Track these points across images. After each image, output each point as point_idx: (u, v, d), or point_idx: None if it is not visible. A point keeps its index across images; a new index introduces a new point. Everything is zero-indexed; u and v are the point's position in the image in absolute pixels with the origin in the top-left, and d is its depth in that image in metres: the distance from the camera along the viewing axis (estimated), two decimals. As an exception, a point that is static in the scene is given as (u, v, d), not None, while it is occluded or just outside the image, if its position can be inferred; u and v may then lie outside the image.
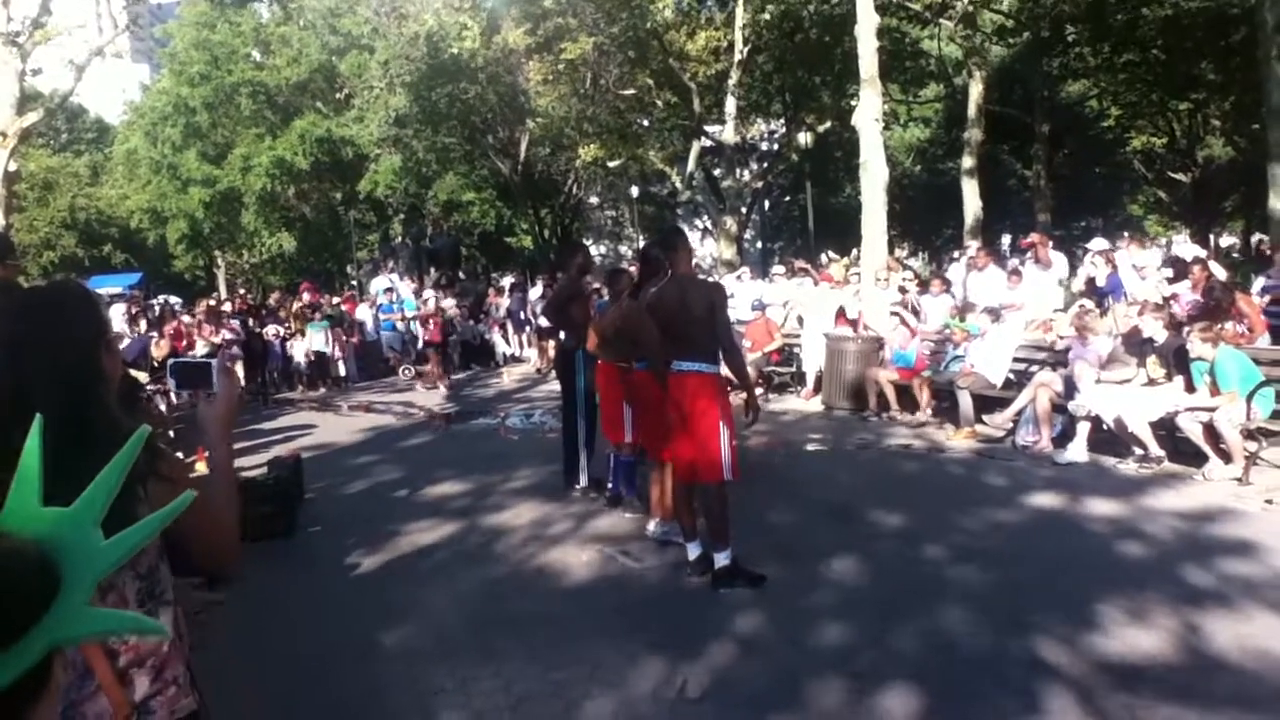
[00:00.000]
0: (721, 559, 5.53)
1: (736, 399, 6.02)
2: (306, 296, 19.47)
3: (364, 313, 20.28)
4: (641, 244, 34.71)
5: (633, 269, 8.26)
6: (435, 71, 27.63)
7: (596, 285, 11.06)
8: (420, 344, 18.53)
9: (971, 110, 22.78)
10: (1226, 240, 36.57)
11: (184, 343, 14.15)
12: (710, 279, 8.11)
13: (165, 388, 10.16)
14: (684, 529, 5.91)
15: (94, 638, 1.08)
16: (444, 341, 17.39)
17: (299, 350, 17.52)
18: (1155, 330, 8.58)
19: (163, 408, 10.82)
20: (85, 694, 1.66)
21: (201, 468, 2.11)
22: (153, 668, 1.77)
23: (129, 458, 1.09)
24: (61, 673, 0.97)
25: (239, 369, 16.05)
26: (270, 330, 17.37)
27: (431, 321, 17.51)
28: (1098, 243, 13.74)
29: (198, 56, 33.37)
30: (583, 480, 7.98)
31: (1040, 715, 3.86)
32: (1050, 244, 12.60)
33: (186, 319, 16.29)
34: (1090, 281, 11.99)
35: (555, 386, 12.07)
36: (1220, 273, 10.88)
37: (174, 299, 26.98)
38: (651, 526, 6.54)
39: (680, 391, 5.62)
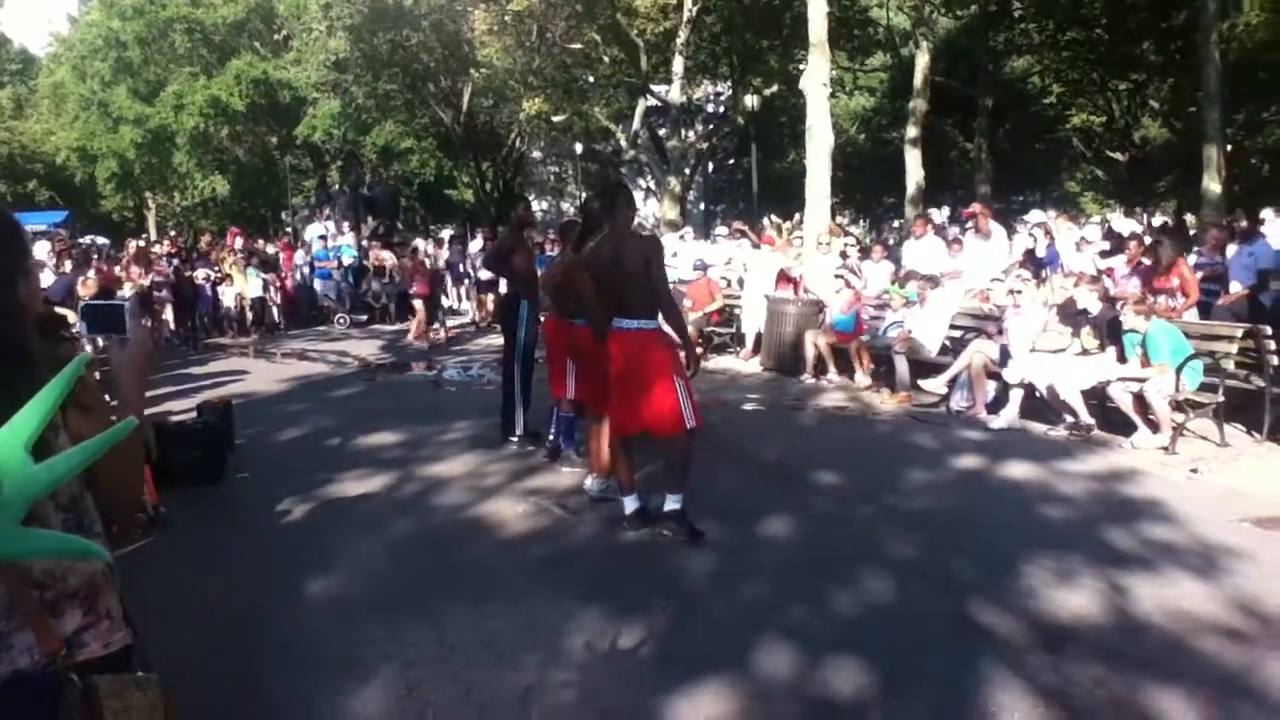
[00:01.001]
0: (672, 502, 5.53)
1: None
2: (239, 242, 19.07)
3: (300, 259, 19.91)
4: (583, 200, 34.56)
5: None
6: (377, 15, 27.06)
7: (539, 240, 10.98)
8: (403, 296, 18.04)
9: (917, 80, 22.89)
10: (1159, 219, 37.33)
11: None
12: (648, 235, 8.03)
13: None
14: (621, 483, 5.88)
15: (31, 557, 0.99)
16: (432, 294, 16.70)
17: (229, 295, 17.16)
18: (1090, 302, 8.71)
19: (89, 348, 10.53)
20: (12, 626, 1.58)
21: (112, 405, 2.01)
22: (84, 599, 1.69)
23: (66, 383, 1.01)
24: None
25: (168, 312, 15.70)
26: (200, 274, 16.98)
27: (418, 274, 16.80)
28: (1035, 215, 13.94)
29: (131, -11, 32.28)
30: (519, 432, 7.92)
31: (970, 675, 3.91)
32: (990, 215, 12.72)
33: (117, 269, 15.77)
34: (1029, 253, 12.14)
35: (494, 340, 11.99)
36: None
37: (101, 239, 26.26)
38: (589, 482, 6.50)
39: (623, 349, 5.57)
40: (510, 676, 3.95)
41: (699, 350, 12.77)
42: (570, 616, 4.52)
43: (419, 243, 20.33)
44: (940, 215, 20.02)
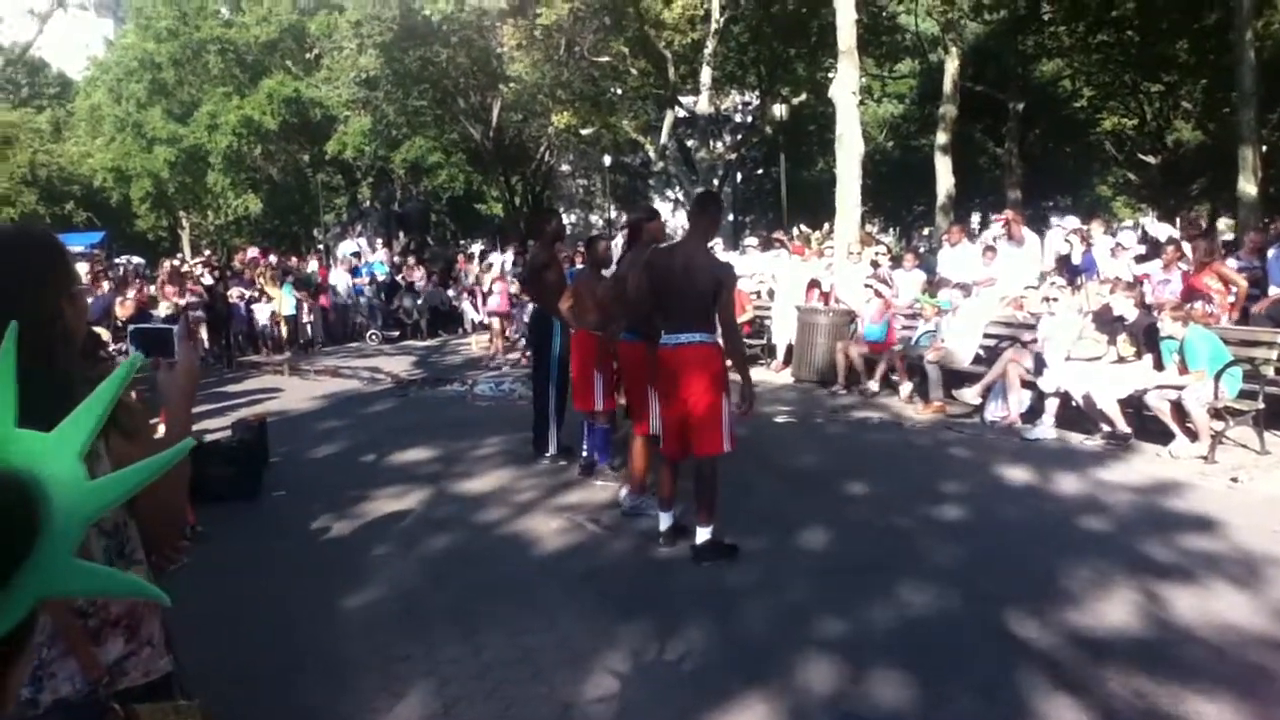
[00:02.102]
0: (705, 533, 5.47)
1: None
2: (271, 259, 19.29)
3: (337, 277, 20.07)
4: (613, 214, 34.63)
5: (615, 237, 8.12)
6: (407, 33, 27.25)
7: (567, 253, 10.97)
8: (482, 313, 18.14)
9: (947, 86, 22.77)
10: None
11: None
12: (726, 261, 7.97)
13: (126, 349, 10.00)
14: (660, 499, 5.84)
15: (86, 594, 0.93)
16: (508, 314, 16.49)
17: (264, 313, 17.33)
18: (1126, 308, 8.62)
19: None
20: (55, 654, 1.60)
21: (162, 430, 2.04)
22: (127, 628, 1.71)
23: (117, 387, 0.99)
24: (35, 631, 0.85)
25: (203, 331, 15.87)
26: (235, 292, 17.16)
27: (498, 289, 16.66)
28: (1070, 220, 13.81)
29: (165, 11, 32.73)
30: (552, 448, 7.93)
31: (1010, 687, 3.87)
32: (1023, 221, 12.63)
33: (151, 289, 15.95)
34: (1063, 259, 12.04)
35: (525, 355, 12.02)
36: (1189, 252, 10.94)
37: (137, 259, 26.59)
38: (623, 495, 6.50)
39: (678, 363, 5.51)
40: (548, 693, 3.95)
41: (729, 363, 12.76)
42: (607, 632, 4.51)
43: (495, 257, 20.29)
44: (973, 222, 19.95)
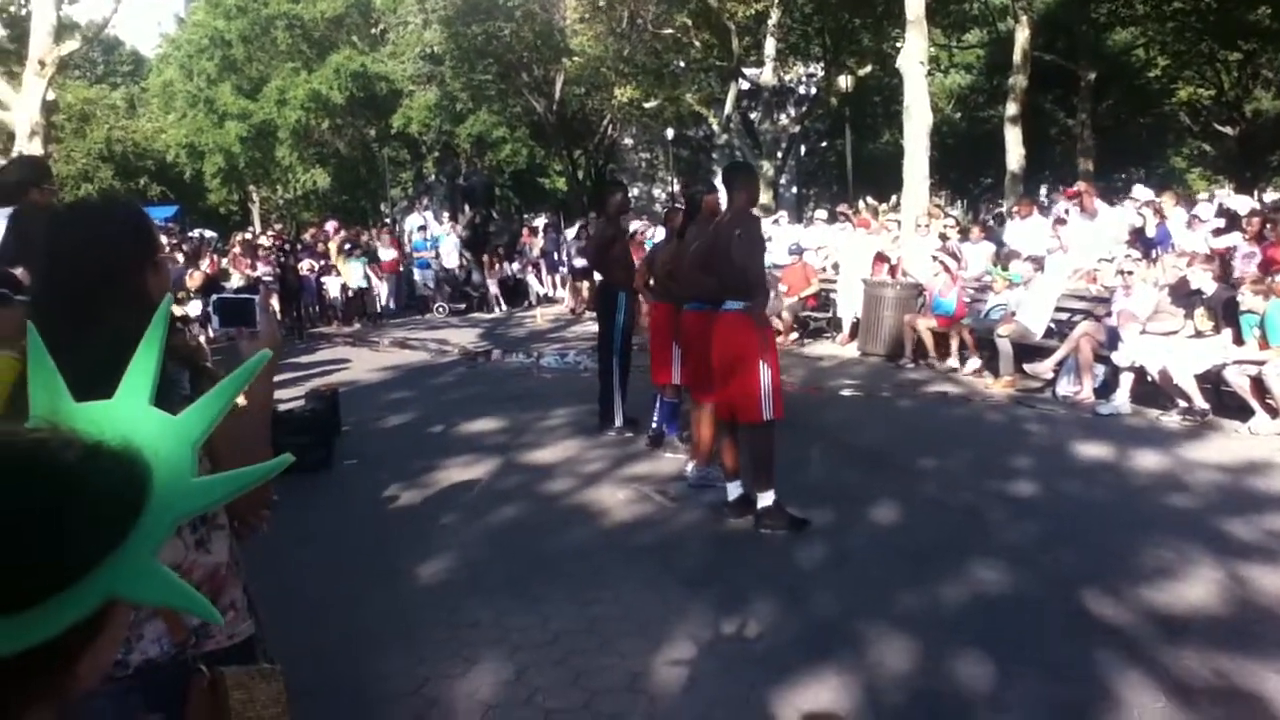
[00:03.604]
0: (764, 499, 5.50)
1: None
2: (339, 232, 19.52)
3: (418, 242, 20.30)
4: (675, 187, 34.50)
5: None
6: (470, 7, 27.31)
7: (636, 226, 10.97)
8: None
9: (1017, 56, 22.26)
10: (1271, 195, 35.85)
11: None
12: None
13: (201, 319, 10.20)
14: (725, 469, 5.88)
15: (153, 603, 0.91)
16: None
17: (334, 285, 17.57)
18: (1204, 282, 8.41)
19: (201, 339, 10.88)
20: (143, 616, 1.64)
21: (241, 402, 2.07)
22: (211, 591, 1.75)
23: (243, 381, 1.01)
24: (126, 615, 0.83)
25: (274, 303, 16.14)
26: (305, 265, 17.41)
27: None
28: (1142, 192, 13.47)
29: (234, -12, 33.14)
30: (618, 420, 7.95)
31: (1086, 665, 3.82)
32: (1096, 194, 12.35)
33: (224, 262, 16.26)
34: (1137, 232, 11.76)
35: (589, 327, 12.06)
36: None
37: (209, 232, 27.09)
38: (689, 468, 6.51)
39: (721, 330, 5.57)
40: (617, 663, 3.98)
41: (795, 336, 12.71)
42: (674, 604, 4.53)
43: (637, 224, 20.25)
44: (1042, 195, 19.53)
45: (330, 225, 21.07)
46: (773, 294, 10.45)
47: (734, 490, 5.79)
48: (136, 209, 1.97)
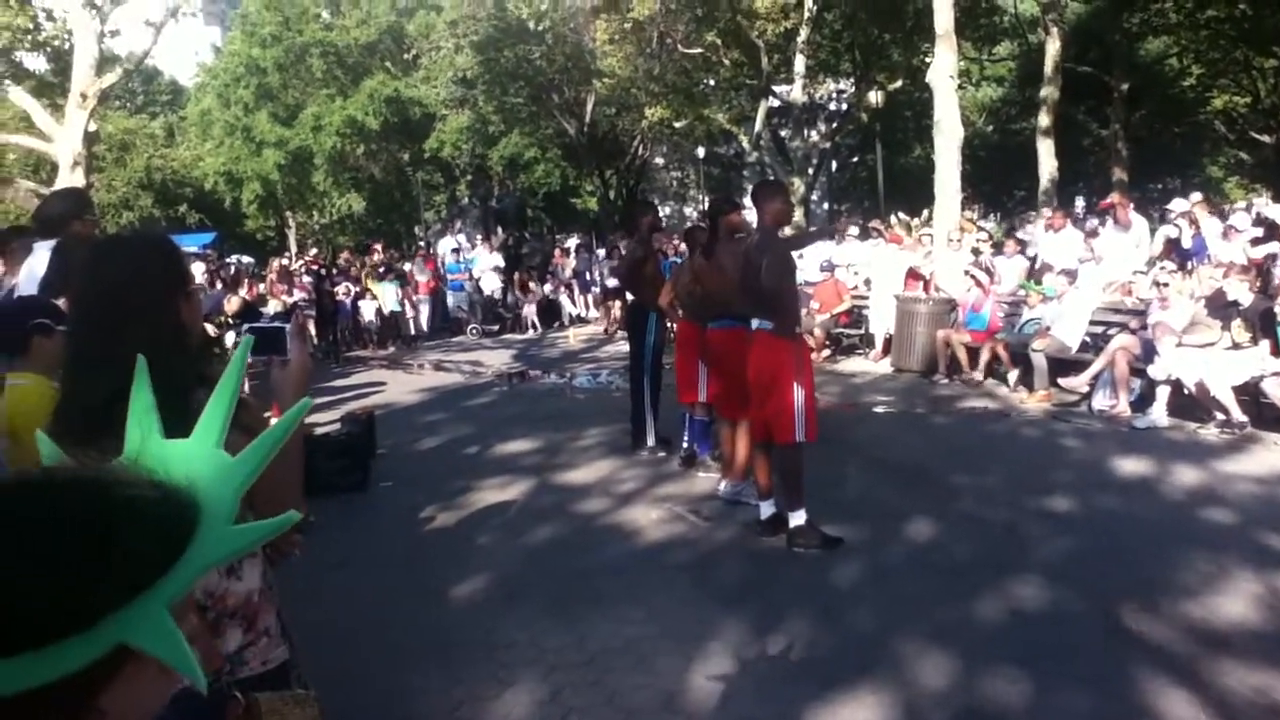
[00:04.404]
0: (796, 518, 5.50)
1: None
2: (386, 252, 19.79)
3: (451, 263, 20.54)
4: (707, 206, 34.55)
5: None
6: (501, 32, 27.59)
7: (665, 246, 11.01)
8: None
9: (1048, 68, 22.15)
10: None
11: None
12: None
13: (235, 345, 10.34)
14: (758, 488, 5.89)
15: (249, 550, 0.94)
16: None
17: (369, 309, 17.75)
18: (1241, 293, 8.33)
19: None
20: None
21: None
22: (244, 618, 1.79)
23: (238, 372, 1.05)
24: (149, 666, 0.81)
25: (310, 327, 16.32)
26: (341, 289, 17.61)
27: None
28: (1179, 204, 13.35)
29: (269, 17, 33.63)
30: (650, 440, 7.98)
31: (1124, 681, 3.79)
32: (1130, 205, 12.25)
33: (261, 288, 16.51)
34: (1172, 243, 11.66)
35: (621, 347, 12.09)
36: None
37: (246, 258, 27.44)
38: (722, 486, 6.52)
39: (755, 349, 5.59)
40: (652, 683, 3.99)
41: (828, 352, 12.68)
42: (709, 623, 4.54)
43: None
44: (1077, 207, 19.38)
45: (376, 247, 21.36)
46: (805, 311, 10.45)
47: (767, 509, 5.80)
48: (169, 242, 2.03)
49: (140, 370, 1.04)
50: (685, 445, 7.54)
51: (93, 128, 14.16)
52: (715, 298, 6.32)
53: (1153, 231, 12.28)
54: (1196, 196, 12.94)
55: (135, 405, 1.01)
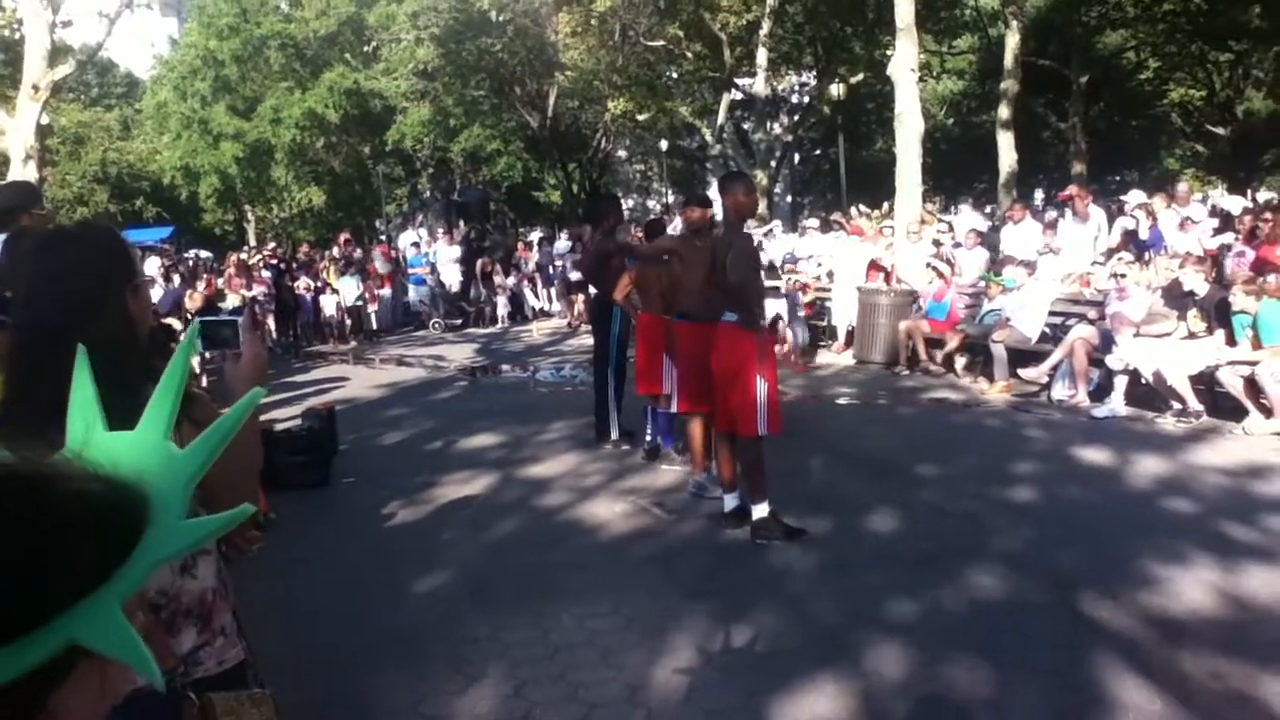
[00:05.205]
0: (759, 511, 5.51)
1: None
2: (349, 244, 19.63)
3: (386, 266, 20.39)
4: (670, 198, 34.57)
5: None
6: (463, 24, 27.43)
7: (628, 239, 10.96)
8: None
9: (1008, 61, 22.35)
10: (1264, 195, 35.92)
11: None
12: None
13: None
14: (723, 480, 5.89)
15: (202, 544, 0.91)
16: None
17: (330, 304, 17.58)
18: (1196, 283, 8.44)
19: (194, 361, 10.88)
20: None
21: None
22: (199, 617, 1.76)
23: (184, 363, 1.03)
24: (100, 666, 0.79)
25: (270, 322, 16.15)
26: (301, 284, 17.43)
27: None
28: (1135, 195, 13.51)
29: (226, 9, 33.18)
30: (614, 433, 7.97)
31: (1083, 669, 3.83)
32: (1089, 198, 12.38)
33: (219, 282, 16.31)
34: (1129, 234, 11.79)
35: (585, 341, 12.07)
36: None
37: (204, 253, 27.12)
38: (692, 479, 6.53)
39: (719, 342, 5.59)
40: (616, 676, 3.98)
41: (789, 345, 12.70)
42: (673, 616, 4.54)
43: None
44: (1036, 199, 19.61)
45: (343, 237, 21.17)
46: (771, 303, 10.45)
47: (731, 501, 5.81)
48: (114, 234, 1.99)
49: (80, 361, 1.01)
50: (649, 438, 7.54)
51: (45, 120, 13.90)
52: (695, 295, 6.21)
53: (1111, 223, 12.41)
54: (1143, 198, 13.10)
55: (76, 397, 0.98)
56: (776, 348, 9.98)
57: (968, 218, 16.36)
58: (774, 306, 11.92)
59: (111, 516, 0.79)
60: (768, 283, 11.93)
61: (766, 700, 3.72)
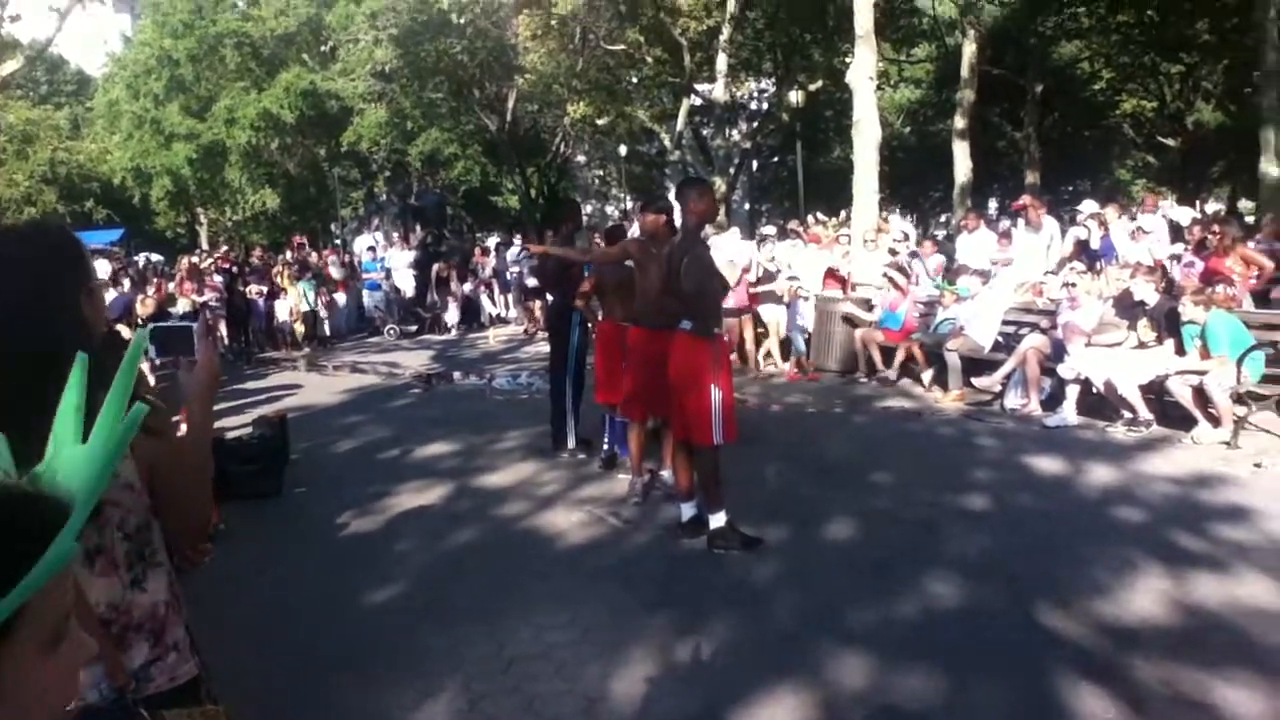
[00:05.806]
0: (715, 520, 5.51)
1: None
2: (301, 248, 19.40)
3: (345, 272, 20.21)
4: (629, 204, 34.57)
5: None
6: (422, 25, 27.26)
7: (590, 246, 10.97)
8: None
9: (964, 70, 22.61)
10: (1212, 206, 36.65)
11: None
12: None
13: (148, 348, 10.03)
14: (679, 490, 5.88)
15: (113, 464, 0.90)
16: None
17: (283, 309, 17.34)
18: (1146, 293, 8.57)
19: (144, 367, 10.71)
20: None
21: (184, 428, 2.04)
22: (150, 632, 1.72)
23: (131, 369, 1.01)
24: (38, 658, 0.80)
25: (222, 328, 15.93)
26: (253, 289, 17.20)
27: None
28: (1088, 205, 13.70)
29: (181, 6, 32.71)
30: (571, 442, 7.93)
31: (1037, 676, 3.86)
32: (1043, 208, 12.53)
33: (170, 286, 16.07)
34: (1081, 244, 11.95)
35: (542, 348, 12.00)
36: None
37: (156, 256, 26.72)
38: (665, 474, 6.56)
39: (674, 349, 5.58)
40: (572, 688, 3.96)
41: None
42: (630, 627, 4.52)
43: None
44: (990, 208, 19.84)
45: (297, 240, 20.92)
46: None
47: (688, 511, 5.79)
48: (67, 233, 1.94)
49: (77, 368, 0.99)
50: (606, 447, 7.51)
51: (-8, 119, 13.62)
52: (654, 304, 6.19)
53: (1063, 233, 12.58)
54: (1095, 208, 13.29)
55: (62, 404, 0.95)
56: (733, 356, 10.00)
57: (895, 225, 16.41)
58: (774, 314, 11.98)
59: (15, 537, 0.77)
60: (764, 288, 12.07)
61: (725, 711, 3.72)
